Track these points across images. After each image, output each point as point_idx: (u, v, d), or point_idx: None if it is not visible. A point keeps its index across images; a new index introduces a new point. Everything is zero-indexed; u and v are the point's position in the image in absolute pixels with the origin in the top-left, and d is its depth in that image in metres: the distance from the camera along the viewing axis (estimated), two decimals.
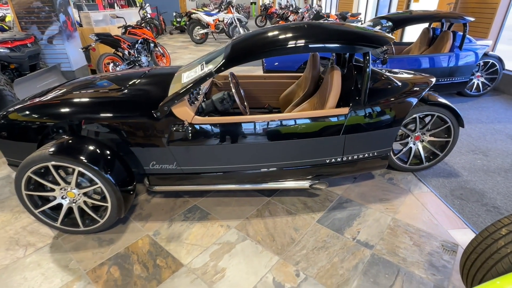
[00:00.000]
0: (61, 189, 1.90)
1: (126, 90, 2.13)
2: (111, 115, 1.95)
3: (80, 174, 1.85)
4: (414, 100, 2.17)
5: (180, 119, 1.93)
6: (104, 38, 5.10)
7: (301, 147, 2.05)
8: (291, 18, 10.19)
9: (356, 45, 1.90)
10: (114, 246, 1.95)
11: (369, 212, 2.22)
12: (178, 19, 12.82)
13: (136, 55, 5.57)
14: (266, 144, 2.00)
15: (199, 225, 2.12)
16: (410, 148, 2.61)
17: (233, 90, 2.19)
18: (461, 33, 4.16)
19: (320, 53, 4.22)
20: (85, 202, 1.95)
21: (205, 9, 11.33)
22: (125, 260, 1.84)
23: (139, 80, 2.28)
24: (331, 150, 2.10)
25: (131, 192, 2.00)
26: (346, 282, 1.68)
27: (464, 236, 1.99)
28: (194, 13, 9.86)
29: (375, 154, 2.21)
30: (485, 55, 4.34)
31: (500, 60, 4.45)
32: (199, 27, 9.91)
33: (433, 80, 2.33)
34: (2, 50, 4.09)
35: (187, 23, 12.54)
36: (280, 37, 1.91)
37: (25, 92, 3.97)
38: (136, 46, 5.67)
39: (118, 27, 5.99)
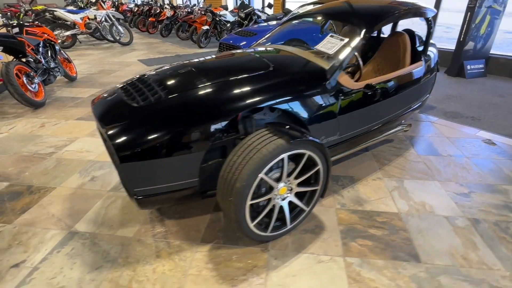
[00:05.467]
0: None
1: (276, 69, 1.94)
2: (291, 94, 1.80)
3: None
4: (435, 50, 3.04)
5: (345, 86, 2.01)
6: (6, 41, 3.60)
7: (403, 98, 2.52)
8: (168, 13, 9.73)
9: (424, 13, 2.51)
10: (329, 228, 1.86)
11: (430, 136, 2.98)
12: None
13: (43, 62, 4.20)
14: (389, 100, 2.35)
15: (360, 186, 2.27)
16: None
17: (356, 54, 2.37)
18: None
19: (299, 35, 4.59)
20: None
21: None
22: (358, 232, 1.83)
23: (266, 59, 2.07)
24: (415, 97, 2.67)
25: None
26: (484, 180, 2.36)
27: (486, 134, 3.06)
28: (52, 11, 7.86)
29: (428, 95, 2.96)
30: None
31: None
32: (60, 28, 7.98)
33: None
34: None
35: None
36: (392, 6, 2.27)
37: None
38: (40, 50, 4.26)
39: None
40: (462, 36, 4.93)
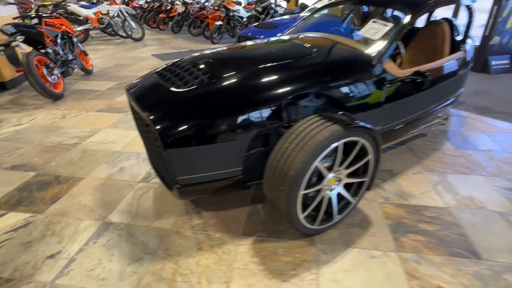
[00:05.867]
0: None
1: (319, 54, 1.84)
2: (337, 80, 1.70)
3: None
4: None
5: (391, 73, 1.90)
6: (26, 31, 3.54)
7: (444, 89, 2.40)
8: (180, 9, 9.65)
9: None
10: (376, 222, 1.76)
11: (464, 131, 2.86)
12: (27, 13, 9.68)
13: (62, 54, 4.14)
14: (432, 90, 2.24)
15: (401, 179, 2.16)
16: None
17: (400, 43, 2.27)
18: None
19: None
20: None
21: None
22: (407, 227, 1.73)
23: (307, 45, 1.97)
24: (454, 89, 2.55)
25: None
26: None
27: None
28: (66, 5, 7.82)
29: (463, 88, 2.84)
30: None
31: None
32: (73, 23, 7.95)
33: None
34: None
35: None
36: None
37: None
38: (58, 41, 4.20)
39: (15, 18, 4.15)
40: (488, 30, 4.79)
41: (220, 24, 7.70)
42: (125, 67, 5.49)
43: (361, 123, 1.45)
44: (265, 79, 1.60)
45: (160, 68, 1.90)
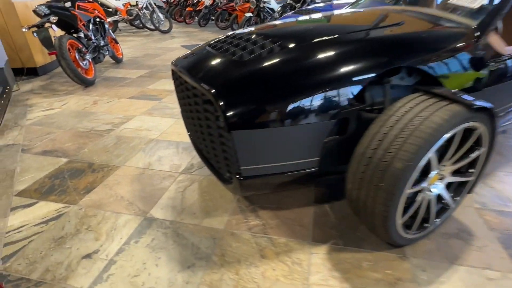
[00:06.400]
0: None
1: (409, 24, 1.51)
2: (433, 54, 1.36)
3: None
4: None
5: (496, 49, 1.53)
6: (60, 12, 3.38)
7: None
8: (207, 2, 9.48)
9: None
10: (479, 233, 1.40)
11: None
12: None
13: (94, 39, 3.98)
14: None
15: (492, 181, 1.78)
16: None
17: None
18: None
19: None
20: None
21: None
22: None
23: (393, 13, 1.65)
24: None
25: None
26: None
27: None
28: None
29: None
30: None
31: None
32: None
33: None
34: None
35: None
36: None
37: None
38: (90, 26, 4.05)
39: (48, 1, 4.04)
40: None
41: (250, 16, 7.42)
42: (155, 57, 5.31)
43: (486, 104, 1.11)
44: (353, 48, 1.28)
45: (213, 41, 1.62)
